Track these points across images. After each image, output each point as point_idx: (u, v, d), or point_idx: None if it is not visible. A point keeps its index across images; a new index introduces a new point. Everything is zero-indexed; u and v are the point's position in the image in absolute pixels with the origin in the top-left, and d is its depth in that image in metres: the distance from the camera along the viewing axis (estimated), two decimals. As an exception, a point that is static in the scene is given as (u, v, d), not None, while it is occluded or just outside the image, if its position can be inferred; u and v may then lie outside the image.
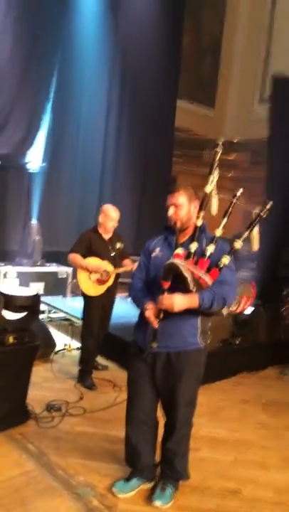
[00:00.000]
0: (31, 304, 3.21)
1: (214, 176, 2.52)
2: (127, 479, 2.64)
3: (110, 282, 4.08)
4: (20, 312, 3.18)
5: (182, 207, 2.46)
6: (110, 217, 4.05)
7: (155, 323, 2.35)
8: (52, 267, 6.53)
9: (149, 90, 7.88)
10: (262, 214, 2.38)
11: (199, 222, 2.44)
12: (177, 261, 2.26)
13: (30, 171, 6.58)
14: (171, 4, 8.05)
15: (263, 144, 10.28)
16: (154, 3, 7.76)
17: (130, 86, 7.64)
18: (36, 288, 6.12)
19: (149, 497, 2.57)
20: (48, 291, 6.24)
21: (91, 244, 4.04)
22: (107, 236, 4.11)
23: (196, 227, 2.44)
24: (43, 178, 6.66)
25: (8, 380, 3.09)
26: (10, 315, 3.12)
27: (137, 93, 7.73)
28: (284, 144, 7.78)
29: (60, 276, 6.49)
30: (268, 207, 2.38)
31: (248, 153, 11.06)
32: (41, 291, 6.21)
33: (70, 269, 6.54)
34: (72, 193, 7.09)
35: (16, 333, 3.10)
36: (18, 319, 3.17)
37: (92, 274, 4.02)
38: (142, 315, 2.50)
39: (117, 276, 4.16)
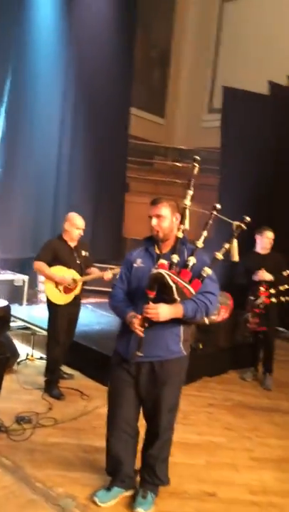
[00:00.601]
0: (2, 315, 3.14)
1: (192, 191, 2.60)
2: (108, 488, 2.64)
3: (77, 291, 4.07)
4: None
5: (165, 218, 2.51)
6: (76, 225, 4.05)
7: (141, 333, 2.38)
8: (7, 275, 6.38)
9: (103, 98, 7.89)
10: (242, 226, 2.49)
11: (180, 234, 2.51)
12: (163, 271, 2.32)
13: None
14: (125, 15, 8.12)
15: (212, 152, 10.64)
16: (108, 13, 7.79)
17: (84, 94, 7.62)
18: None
19: (130, 504, 2.60)
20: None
21: (57, 253, 4.02)
22: (72, 244, 4.10)
23: (177, 239, 2.51)
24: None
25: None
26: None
27: (91, 101, 7.72)
28: (235, 153, 8.10)
29: (15, 284, 6.36)
30: (248, 219, 2.49)
31: (197, 161, 11.35)
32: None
33: (26, 277, 6.44)
34: (26, 200, 6.95)
35: (-14, 344, 3.03)
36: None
37: (60, 285, 4.00)
38: (124, 325, 2.54)
39: (83, 284, 4.16)
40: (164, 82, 11.36)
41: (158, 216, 2.52)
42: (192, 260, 2.42)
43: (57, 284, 3.99)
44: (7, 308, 3.16)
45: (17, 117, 6.57)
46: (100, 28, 7.59)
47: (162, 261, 2.41)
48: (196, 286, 2.38)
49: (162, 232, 2.51)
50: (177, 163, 10.95)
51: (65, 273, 3.98)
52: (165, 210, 2.52)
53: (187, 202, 2.57)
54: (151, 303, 2.34)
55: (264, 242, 4.93)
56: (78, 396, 4.03)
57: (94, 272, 4.20)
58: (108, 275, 4.07)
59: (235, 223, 2.52)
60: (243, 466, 3.20)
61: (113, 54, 7.93)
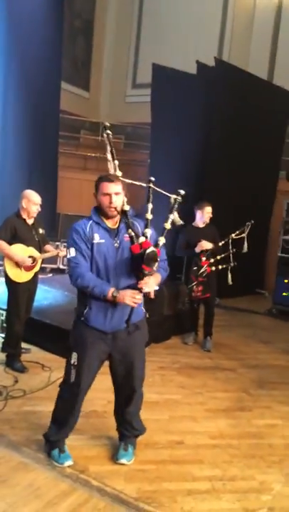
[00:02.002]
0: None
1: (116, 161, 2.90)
2: (63, 450, 2.82)
3: (37, 268, 4.20)
4: None
5: (120, 195, 2.66)
6: (33, 201, 4.10)
7: (136, 305, 2.59)
8: None
9: (34, 72, 7.75)
10: (178, 199, 2.83)
11: (127, 207, 2.69)
12: (153, 248, 2.54)
13: None
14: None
15: (138, 128, 10.85)
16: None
17: (15, 68, 7.44)
18: None
19: (114, 457, 2.90)
20: None
21: (16, 230, 4.08)
22: (30, 221, 4.19)
23: (123, 212, 2.68)
24: None
25: None
26: None
27: (21, 75, 7.55)
28: (164, 129, 8.38)
29: None
30: (182, 192, 2.85)
31: (122, 137, 11.51)
32: None
33: None
34: None
35: None
36: None
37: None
38: (98, 301, 2.64)
39: (42, 261, 4.28)
40: (88, 55, 11.25)
41: (116, 193, 2.63)
42: (149, 232, 2.64)
43: (16, 263, 4.07)
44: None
45: None
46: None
47: (143, 238, 2.60)
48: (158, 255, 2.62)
49: (118, 208, 2.64)
50: (104, 138, 11.02)
51: (24, 251, 4.09)
52: (119, 186, 2.66)
53: (118, 173, 2.85)
54: (146, 277, 2.53)
55: (204, 216, 5.34)
56: (40, 368, 4.22)
57: (50, 249, 4.33)
58: (63, 252, 4.24)
59: (173, 196, 2.84)
60: (200, 417, 3.63)
61: (42, 25, 7.77)
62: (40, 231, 4.27)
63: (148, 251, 2.51)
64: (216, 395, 4.09)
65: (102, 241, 2.66)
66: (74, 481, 2.63)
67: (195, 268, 5.18)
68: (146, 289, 2.59)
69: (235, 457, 3.09)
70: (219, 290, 5.76)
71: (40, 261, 4.19)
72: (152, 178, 2.82)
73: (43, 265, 7.06)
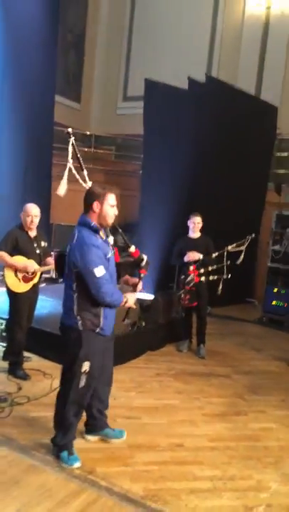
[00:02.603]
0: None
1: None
2: (72, 453, 2.96)
3: (36, 280, 4.31)
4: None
5: None
6: (27, 212, 4.19)
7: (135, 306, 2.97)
8: None
9: (29, 84, 7.92)
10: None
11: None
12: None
13: None
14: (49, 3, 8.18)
15: (127, 139, 11.06)
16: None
17: (11, 81, 7.59)
18: None
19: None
20: None
21: (17, 242, 4.19)
22: (32, 234, 4.30)
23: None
24: None
25: None
26: None
27: (16, 88, 7.71)
28: (156, 142, 8.60)
29: None
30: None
31: (112, 148, 11.73)
32: None
33: None
34: None
35: None
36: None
37: (19, 272, 4.21)
38: (108, 310, 2.91)
39: (42, 273, 4.41)
40: (80, 68, 11.45)
41: (116, 206, 2.88)
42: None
43: (16, 273, 4.20)
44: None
45: None
46: (24, 13, 7.56)
47: (133, 248, 3.09)
48: None
49: None
50: (96, 150, 11.24)
51: (25, 263, 4.20)
52: None
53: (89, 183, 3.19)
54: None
55: (192, 226, 5.53)
56: (41, 375, 4.33)
57: (50, 261, 4.43)
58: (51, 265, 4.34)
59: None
60: (198, 421, 3.78)
61: (37, 38, 7.95)
62: (42, 244, 4.36)
63: (146, 258, 2.92)
64: (212, 400, 4.25)
65: (110, 255, 2.91)
66: (83, 482, 2.77)
67: (182, 277, 5.36)
68: (140, 290, 2.94)
69: (233, 458, 3.25)
70: (211, 299, 5.95)
71: (39, 273, 4.30)
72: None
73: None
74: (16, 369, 4.26)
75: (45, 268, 4.38)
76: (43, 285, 8.13)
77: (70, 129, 3.42)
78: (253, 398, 4.38)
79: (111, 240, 3.01)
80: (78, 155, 3.81)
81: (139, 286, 3.05)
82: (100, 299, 2.77)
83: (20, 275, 4.21)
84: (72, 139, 3.47)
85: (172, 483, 2.87)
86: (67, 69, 11.07)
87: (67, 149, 10.67)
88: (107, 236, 2.98)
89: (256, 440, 3.56)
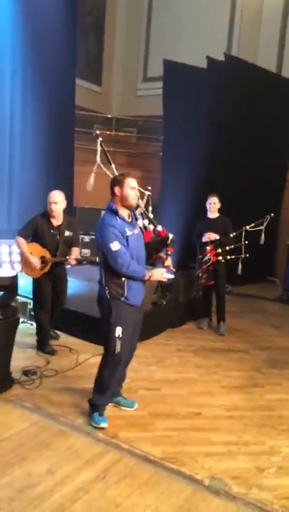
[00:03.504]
0: (11, 283, 3.59)
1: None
2: (102, 414, 3.28)
3: (46, 269, 4.37)
4: (2, 291, 3.55)
5: None
6: (48, 199, 4.30)
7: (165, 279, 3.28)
8: (-28, 248, 6.63)
9: (50, 69, 8.08)
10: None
11: None
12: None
13: None
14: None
15: (148, 121, 11.12)
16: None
17: (32, 67, 7.74)
18: None
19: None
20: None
21: (37, 229, 4.33)
22: (56, 222, 4.37)
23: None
24: None
25: (-2, 351, 3.49)
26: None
27: (38, 73, 7.86)
28: (176, 122, 8.67)
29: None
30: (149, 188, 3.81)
31: (133, 130, 11.81)
32: None
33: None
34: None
35: (1, 309, 3.48)
36: (1, 297, 3.54)
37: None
38: (133, 283, 3.16)
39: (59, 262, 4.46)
40: (100, 50, 11.50)
41: (136, 188, 3.20)
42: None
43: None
44: (15, 277, 3.61)
45: None
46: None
47: (160, 227, 3.40)
48: None
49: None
50: (117, 133, 11.35)
51: (38, 251, 4.33)
52: None
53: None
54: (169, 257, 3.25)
55: (209, 206, 5.65)
56: (67, 351, 4.59)
57: (75, 252, 4.49)
58: (72, 262, 4.36)
59: (147, 193, 3.89)
60: (216, 393, 3.99)
61: (57, 23, 8.06)
62: (66, 233, 4.40)
63: (171, 236, 3.16)
64: (231, 374, 4.44)
65: (130, 233, 3.17)
66: (106, 445, 3.01)
67: (200, 257, 5.51)
68: (169, 264, 3.20)
69: (248, 426, 3.45)
70: (232, 278, 6.10)
71: (50, 263, 4.37)
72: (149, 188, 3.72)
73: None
74: (43, 345, 4.53)
75: (56, 260, 4.36)
76: (68, 267, 8.44)
77: (98, 131, 3.74)
78: (270, 372, 4.55)
79: (140, 222, 3.31)
80: (107, 153, 4.11)
81: (167, 262, 3.29)
82: (117, 269, 3.08)
83: (36, 262, 4.34)
84: (99, 140, 3.81)
85: (190, 447, 3.09)
86: (88, 52, 11.15)
87: (88, 133, 10.88)
88: (136, 219, 3.29)
89: (271, 410, 3.74)
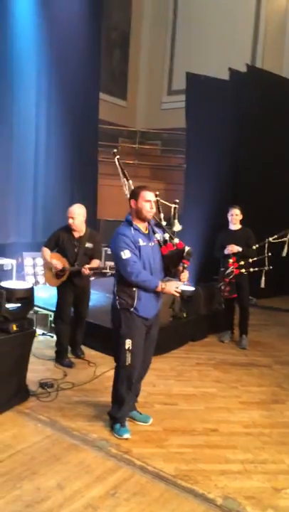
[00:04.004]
0: (27, 296, 3.62)
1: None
2: (123, 425, 3.29)
3: (64, 277, 4.44)
4: (19, 303, 3.58)
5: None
6: (68, 213, 4.42)
7: (178, 294, 3.19)
8: (-4, 260, 6.75)
9: (74, 84, 8.21)
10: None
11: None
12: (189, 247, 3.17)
13: None
14: (91, 2, 8.42)
15: (172, 134, 11.15)
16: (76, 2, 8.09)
17: (56, 82, 7.90)
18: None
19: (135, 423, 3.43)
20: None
21: (60, 241, 4.47)
22: (77, 234, 4.47)
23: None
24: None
25: (14, 363, 3.51)
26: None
27: (63, 88, 8.00)
28: (199, 134, 8.64)
29: (5, 268, 6.74)
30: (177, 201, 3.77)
31: (158, 143, 11.87)
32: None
33: (14, 261, 6.82)
34: (7, 188, 7.27)
35: (17, 321, 3.51)
36: (18, 309, 3.57)
37: (52, 269, 4.48)
38: (145, 295, 3.14)
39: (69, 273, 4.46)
40: (125, 66, 11.66)
41: (154, 201, 3.20)
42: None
43: (51, 268, 4.48)
44: (31, 290, 3.63)
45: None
46: (69, 16, 7.85)
47: (177, 240, 3.26)
48: None
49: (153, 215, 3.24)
50: (141, 146, 11.43)
51: (58, 260, 4.45)
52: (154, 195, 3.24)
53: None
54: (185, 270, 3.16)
55: (230, 218, 5.59)
56: (86, 364, 4.59)
57: (94, 263, 4.51)
58: (86, 271, 4.35)
59: (173, 206, 3.61)
60: (234, 409, 3.89)
61: (82, 39, 8.23)
62: (87, 245, 4.48)
63: (187, 249, 3.11)
64: (251, 389, 4.33)
65: (144, 244, 3.18)
66: (119, 460, 2.97)
67: (222, 269, 5.43)
68: (184, 280, 3.11)
69: (266, 444, 3.34)
70: (257, 291, 5.98)
71: (68, 272, 4.43)
72: (157, 192, 3.51)
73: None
74: (61, 358, 4.54)
75: (73, 268, 4.41)
76: (92, 279, 8.50)
77: (115, 150, 3.81)
78: (292, 388, 4.42)
79: (158, 235, 3.28)
80: (124, 170, 4.16)
81: (183, 275, 3.20)
82: (127, 278, 3.09)
83: (53, 271, 4.48)
84: (116, 158, 3.89)
85: (204, 464, 3.01)
86: (113, 67, 11.33)
87: (112, 146, 11.06)
88: (154, 232, 3.27)
89: (291, 427, 3.62)
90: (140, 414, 3.52)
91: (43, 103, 7.71)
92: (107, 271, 4.44)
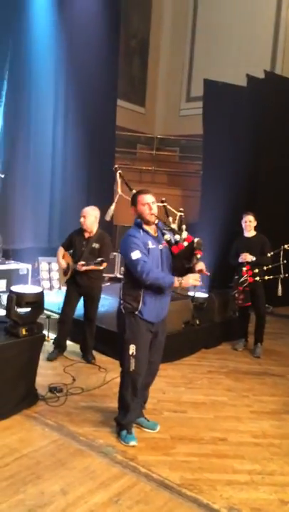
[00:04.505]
0: (37, 300, 3.64)
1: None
2: (130, 432, 3.28)
3: (69, 274, 4.65)
4: (28, 307, 3.60)
5: (155, 203, 3.22)
6: (82, 212, 4.63)
7: (199, 283, 3.14)
8: (12, 264, 6.81)
9: (92, 91, 8.30)
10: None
11: (156, 221, 3.28)
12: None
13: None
14: (109, 10, 8.50)
15: (190, 140, 11.14)
16: (94, 9, 8.16)
17: (74, 89, 8.01)
18: (-1, 285, 6.48)
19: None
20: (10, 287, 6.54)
21: (71, 241, 4.70)
22: (88, 234, 4.64)
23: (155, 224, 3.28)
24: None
25: (22, 367, 3.52)
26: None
27: (80, 95, 8.11)
28: (217, 141, 8.62)
29: (21, 273, 6.80)
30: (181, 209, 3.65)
31: (176, 149, 11.88)
32: (4, 288, 6.53)
33: (29, 266, 6.88)
34: (25, 194, 7.35)
35: (27, 326, 3.53)
36: (27, 314, 3.59)
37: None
38: (150, 299, 3.13)
39: (92, 271, 4.59)
40: (144, 72, 11.73)
41: (153, 202, 3.18)
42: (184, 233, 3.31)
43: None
44: (41, 294, 3.65)
45: (14, 120, 6.94)
46: (87, 24, 7.96)
47: (185, 234, 3.25)
48: None
49: (156, 214, 3.20)
50: (159, 152, 11.46)
51: (65, 259, 4.73)
52: (153, 197, 3.20)
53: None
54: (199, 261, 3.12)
55: (244, 225, 5.54)
56: (96, 369, 4.58)
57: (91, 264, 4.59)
58: (80, 268, 4.52)
59: (179, 214, 3.63)
60: (245, 418, 3.83)
61: (100, 47, 8.33)
62: (94, 245, 4.60)
63: (196, 239, 3.11)
64: (262, 399, 4.27)
65: (153, 246, 3.18)
66: (124, 467, 2.95)
67: (236, 277, 5.38)
68: (201, 269, 3.09)
69: (275, 455, 3.27)
70: (274, 299, 5.90)
71: (71, 270, 4.63)
72: (164, 199, 3.57)
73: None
74: (54, 350, 4.74)
75: (73, 266, 4.58)
76: (107, 284, 8.53)
77: (116, 166, 4.03)
78: (305, 398, 4.34)
79: (167, 236, 3.26)
80: (128, 184, 4.36)
81: (199, 265, 3.12)
82: (139, 277, 3.04)
83: (61, 268, 4.75)
84: (118, 173, 4.07)
85: (210, 474, 2.97)
86: (132, 74, 11.40)
87: (131, 153, 11.07)
88: (163, 234, 3.26)
89: (302, 439, 3.55)
90: (148, 421, 3.49)
91: (60, 110, 7.82)
92: (100, 267, 4.58)
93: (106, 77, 8.66)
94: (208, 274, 3.17)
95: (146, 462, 3.02)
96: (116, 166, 3.90)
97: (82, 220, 4.59)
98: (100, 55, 8.41)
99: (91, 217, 4.57)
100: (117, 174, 3.78)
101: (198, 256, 3.14)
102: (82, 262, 4.49)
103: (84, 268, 4.50)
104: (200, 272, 3.11)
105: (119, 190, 4.49)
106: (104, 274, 8.59)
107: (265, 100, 7.68)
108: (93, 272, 4.62)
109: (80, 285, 4.63)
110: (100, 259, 4.48)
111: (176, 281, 3.05)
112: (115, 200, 4.66)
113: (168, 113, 11.97)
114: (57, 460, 2.97)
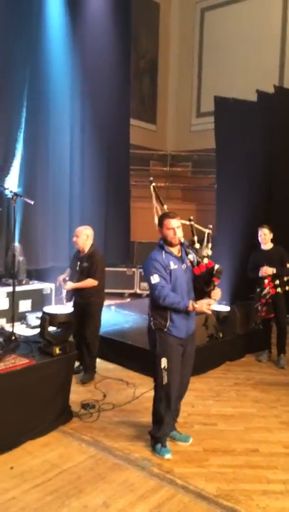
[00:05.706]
0: (68, 320, 3.78)
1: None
2: (164, 445, 3.38)
3: (63, 293, 4.79)
4: (60, 327, 3.75)
5: (180, 228, 3.35)
6: (74, 232, 4.82)
7: (210, 311, 3.29)
8: (36, 285, 6.99)
9: (106, 112, 8.57)
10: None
11: (182, 240, 3.38)
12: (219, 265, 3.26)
13: (8, 196, 6.98)
14: (121, 32, 8.80)
15: (202, 155, 11.31)
16: (108, 31, 8.47)
17: (89, 110, 8.26)
18: (25, 305, 6.65)
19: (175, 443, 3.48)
20: (35, 307, 6.71)
21: (73, 260, 4.89)
22: (82, 253, 4.80)
23: (181, 244, 3.39)
24: (19, 203, 7.10)
25: (58, 385, 3.66)
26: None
27: (95, 116, 8.36)
28: (229, 156, 8.77)
29: (44, 293, 6.98)
30: (210, 226, 3.66)
31: (188, 164, 12.05)
32: (29, 308, 6.70)
33: (52, 285, 7.05)
34: (46, 216, 7.57)
35: (60, 345, 3.67)
36: (59, 333, 3.74)
37: None
38: (177, 315, 3.27)
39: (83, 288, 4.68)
40: (154, 91, 11.99)
41: (178, 227, 3.32)
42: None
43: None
44: (72, 314, 3.80)
45: (34, 144, 7.20)
46: (100, 48, 8.27)
47: (206, 260, 3.34)
48: None
49: (180, 239, 3.34)
50: (173, 168, 11.65)
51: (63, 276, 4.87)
52: (179, 222, 3.34)
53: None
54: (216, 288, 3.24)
55: (260, 238, 5.64)
56: (125, 385, 4.69)
57: (85, 282, 4.65)
58: (64, 285, 4.74)
59: (207, 231, 3.60)
60: (274, 429, 3.90)
61: (112, 70, 8.63)
62: (84, 264, 4.70)
63: (217, 267, 3.22)
64: (290, 409, 4.33)
65: (176, 267, 3.32)
66: (161, 480, 3.04)
67: (258, 290, 5.47)
68: (216, 297, 3.22)
69: (308, 464, 3.34)
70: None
71: (66, 287, 4.74)
72: (191, 217, 3.60)
73: (121, 290, 7.66)
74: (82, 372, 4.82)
75: (63, 285, 4.76)
76: (127, 300, 8.66)
77: (151, 178, 4.06)
78: None
79: (191, 256, 3.39)
80: (160, 198, 4.36)
81: (215, 293, 3.28)
82: (156, 300, 3.24)
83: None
84: (152, 186, 4.09)
85: (245, 484, 3.05)
86: (142, 93, 11.66)
87: (144, 170, 11.25)
88: (187, 254, 3.38)
89: None
90: (180, 434, 3.59)
91: (76, 132, 8.07)
92: (82, 284, 4.65)
93: (119, 98, 8.93)
94: (216, 300, 3.35)
95: (183, 474, 3.12)
96: (151, 178, 3.91)
97: (74, 239, 4.76)
98: (113, 77, 8.71)
99: (83, 236, 4.70)
100: (151, 187, 3.82)
101: (215, 283, 3.29)
102: (69, 282, 4.68)
103: (67, 287, 4.68)
104: (214, 299, 3.30)
105: (154, 202, 4.51)
106: (124, 291, 8.81)
107: (276, 115, 7.82)
108: (84, 289, 4.67)
109: (76, 302, 4.78)
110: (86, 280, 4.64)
111: (191, 305, 3.21)
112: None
113: (179, 129, 12.19)
114: (96, 474, 3.08)
